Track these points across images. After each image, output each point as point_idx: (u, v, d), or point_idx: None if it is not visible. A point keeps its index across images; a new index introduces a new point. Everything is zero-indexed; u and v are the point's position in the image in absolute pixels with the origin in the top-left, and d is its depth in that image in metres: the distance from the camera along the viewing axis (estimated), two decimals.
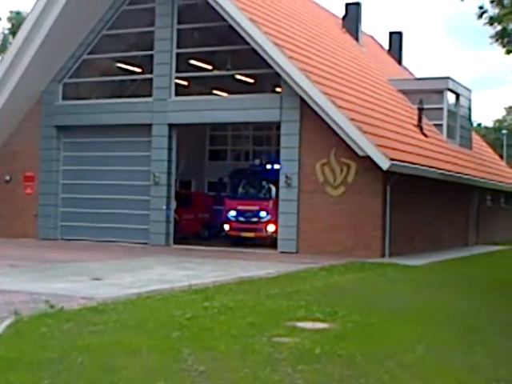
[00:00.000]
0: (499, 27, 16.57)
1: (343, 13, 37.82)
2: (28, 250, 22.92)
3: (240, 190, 27.94)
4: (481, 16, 16.73)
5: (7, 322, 9.54)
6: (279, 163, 24.35)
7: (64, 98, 27.93)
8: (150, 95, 26.17)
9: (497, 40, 16.76)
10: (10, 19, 59.35)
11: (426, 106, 30.09)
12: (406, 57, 59.52)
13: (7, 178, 28.52)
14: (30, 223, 27.79)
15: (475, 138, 40.01)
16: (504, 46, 16.68)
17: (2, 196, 28.54)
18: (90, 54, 27.57)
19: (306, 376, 7.39)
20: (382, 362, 8.05)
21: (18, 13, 58.93)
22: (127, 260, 20.24)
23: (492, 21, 16.54)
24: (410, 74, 44.81)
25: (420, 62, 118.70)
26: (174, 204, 26.11)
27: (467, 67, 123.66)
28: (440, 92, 31.53)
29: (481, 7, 16.76)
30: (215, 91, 29.83)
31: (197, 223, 31.01)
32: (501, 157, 52.83)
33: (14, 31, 51.98)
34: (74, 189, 27.62)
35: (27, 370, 7.30)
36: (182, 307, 11.11)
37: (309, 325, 10.10)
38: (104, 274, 16.07)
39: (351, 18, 37.34)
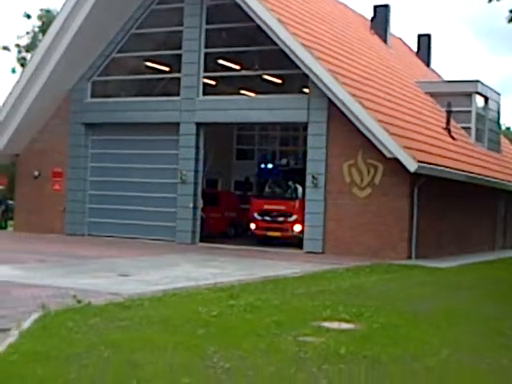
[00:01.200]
0: None
1: (372, 15, 37.76)
2: (56, 245, 23.12)
3: (266, 189, 27.93)
4: (511, 20, 16.60)
5: (35, 316, 9.64)
6: (306, 163, 24.30)
7: (92, 96, 28.13)
8: (177, 94, 26.28)
9: None
10: (40, 17, 59.76)
11: (454, 109, 29.91)
12: (434, 59, 59.03)
13: (36, 173, 28.76)
14: (58, 219, 28.02)
15: (504, 141, 39.68)
16: None
17: (31, 192, 28.79)
18: (118, 52, 27.74)
19: (331, 376, 7.38)
20: (407, 364, 8.02)
21: (47, 11, 59.31)
22: (154, 257, 20.36)
23: None
24: (439, 76, 44.55)
25: (448, 65, 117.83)
26: (200, 202, 26.18)
27: (496, 70, 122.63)
28: (469, 95, 31.31)
29: (511, 11, 16.62)
30: (243, 91, 29.87)
31: (223, 222, 31.08)
32: None
33: (43, 29, 52.31)
34: (102, 186, 27.79)
35: (54, 363, 7.36)
36: (207, 305, 11.14)
37: (334, 325, 10.07)
38: (131, 270, 16.19)
39: (380, 20, 37.25)
